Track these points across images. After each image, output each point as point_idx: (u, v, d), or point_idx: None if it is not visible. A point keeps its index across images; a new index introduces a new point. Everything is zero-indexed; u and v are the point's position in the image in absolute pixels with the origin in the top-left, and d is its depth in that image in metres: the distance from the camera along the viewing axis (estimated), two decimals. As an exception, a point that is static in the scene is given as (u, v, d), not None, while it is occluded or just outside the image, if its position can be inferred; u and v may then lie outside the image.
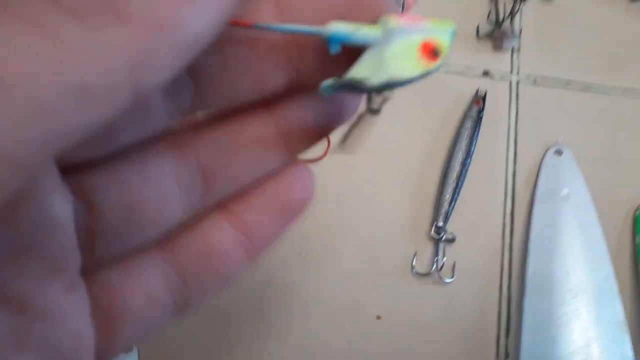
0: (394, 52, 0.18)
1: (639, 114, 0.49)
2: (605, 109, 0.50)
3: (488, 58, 0.51)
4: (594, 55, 0.52)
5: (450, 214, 0.45)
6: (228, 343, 0.42)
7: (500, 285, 0.44)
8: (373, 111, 0.48)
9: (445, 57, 0.19)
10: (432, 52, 0.19)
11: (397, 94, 0.50)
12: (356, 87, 0.18)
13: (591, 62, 0.51)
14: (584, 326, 0.40)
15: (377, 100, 0.41)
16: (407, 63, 0.18)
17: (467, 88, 0.50)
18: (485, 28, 0.52)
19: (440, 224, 0.45)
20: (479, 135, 0.48)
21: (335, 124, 0.20)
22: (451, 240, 0.45)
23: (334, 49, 0.18)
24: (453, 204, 0.45)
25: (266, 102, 0.19)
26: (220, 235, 0.19)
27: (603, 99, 0.50)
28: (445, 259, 0.44)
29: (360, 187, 0.47)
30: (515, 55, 0.51)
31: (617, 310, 0.41)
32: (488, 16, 0.52)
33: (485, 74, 0.51)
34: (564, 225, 0.44)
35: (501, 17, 0.51)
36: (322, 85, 0.18)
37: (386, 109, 0.49)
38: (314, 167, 0.47)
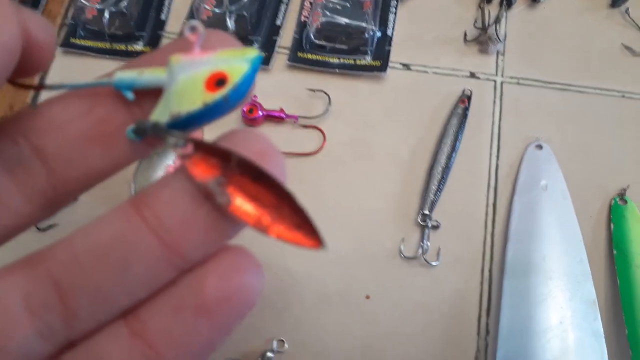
0: (179, 88, 0.18)
1: (613, 111, 0.53)
2: (582, 107, 0.53)
3: (474, 61, 0.55)
4: (574, 58, 0.55)
5: (436, 203, 0.49)
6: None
7: (482, 269, 0.48)
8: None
9: (237, 85, 0.17)
10: (217, 82, 0.18)
11: (388, 94, 0.54)
12: (152, 129, 0.17)
13: (570, 65, 0.55)
14: (558, 305, 0.44)
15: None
16: (190, 97, 0.18)
17: (455, 88, 0.54)
18: (472, 33, 0.56)
19: (426, 211, 0.49)
20: (465, 131, 0.51)
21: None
22: (436, 227, 0.48)
23: (129, 96, 0.18)
24: (439, 193, 0.49)
25: None
26: (115, 346, 0.15)
27: (580, 97, 0.53)
28: (429, 244, 0.48)
29: (353, 178, 0.51)
30: (500, 58, 0.55)
31: (589, 291, 0.44)
32: (475, 22, 0.56)
33: (472, 75, 0.55)
34: (542, 214, 0.48)
35: (487, 23, 0.55)
36: (127, 131, 0.18)
37: (378, 108, 0.53)
38: (310, 160, 0.52)
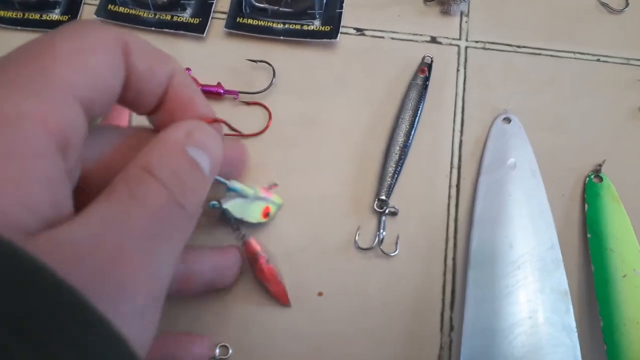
0: (252, 206, 0.41)
1: (588, 77, 0.48)
2: (556, 73, 0.48)
3: (436, 23, 0.49)
4: (546, 18, 0.50)
5: (394, 187, 0.44)
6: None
7: (445, 258, 0.43)
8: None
9: (271, 218, 0.43)
10: (266, 214, 0.42)
11: (340, 63, 0.48)
12: (225, 214, 0.40)
13: (542, 26, 0.49)
14: (526, 298, 0.40)
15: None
16: (253, 214, 0.41)
17: (414, 55, 0.48)
18: (433, -8, 0.50)
19: (383, 197, 0.43)
20: (425, 105, 0.46)
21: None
22: (394, 214, 0.43)
23: (229, 184, 0.39)
24: (396, 176, 0.44)
25: None
26: None
27: (553, 62, 0.48)
28: (384, 233, 0.43)
29: (303, 161, 0.45)
30: (464, 20, 0.49)
31: (560, 281, 0.40)
32: (435, -21, 0.50)
33: (433, 40, 0.49)
34: (510, 196, 0.43)
35: (449, -21, 0.49)
36: (210, 203, 0.39)
37: (329, 80, 0.47)
38: (254, 141, 0.46)
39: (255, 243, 0.42)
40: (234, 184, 0.40)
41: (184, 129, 0.27)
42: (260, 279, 0.41)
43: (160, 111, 0.29)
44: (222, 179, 0.39)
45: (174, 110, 0.29)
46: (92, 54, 0.24)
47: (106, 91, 0.25)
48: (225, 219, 0.42)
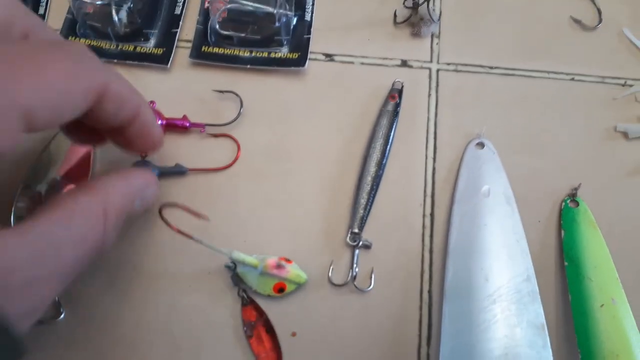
0: (264, 279, 0.40)
1: (562, 97, 0.47)
2: (529, 93, 0.47)
3: (406, 46, 0.48)
4: (517, 36, 0.49)
5: (367, 219, 0.43)
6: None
7: (421, 291, 0.42)
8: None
9: (286, 294, 0.41)
10: (279, 289, 0.41)
11: (310, 90, 0.47)
12: (232, 278, 0.41)
13: (514, 45, 0.48)
14: (503, 333, 0.39)
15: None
16: (263, 287, 0.41)
17: (385, 81, 0.47)
18: (402, 13, 0.48)
19: (356, 230, 0.42)
20: (396, 132, 0.45)
21: None
22: (367, 247, 0.42)
23: (230, 265, 0.41)
24: (369, 208, 0.43)
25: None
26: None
27: (526, 82, 0.47)
28: (357, 269, 0.42)
29: (273, 193, 0.44)
30: (435, 42, 0.48)
31: (537, 314, 0.39)
32: (405, 0, 0.49)
33: (404, 63, 0.48)
34: (484, 225, 0.42)
35: (418, 0, 0.48)
36: (225, 264, 0.41)
37: (299, 108, 0.46)
38: (223, 175, 0.45)
39: (253, 311, 0.41)
40: (236, 254, 0.40)
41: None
42: (253, 345, 0.40)
43: (119, 136, 0.34)
44: (222, 249, 0.39)
45: (132, 140, 0.35)
46: (62, 92, 0.26)
47: (60, 114, 0.27)
48: (233, 281, 0.41)
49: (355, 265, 0.42)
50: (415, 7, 0.47)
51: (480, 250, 0.41)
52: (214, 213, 0.43)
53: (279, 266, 0.40)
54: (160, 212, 0.36)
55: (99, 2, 0.45)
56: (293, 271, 0.41)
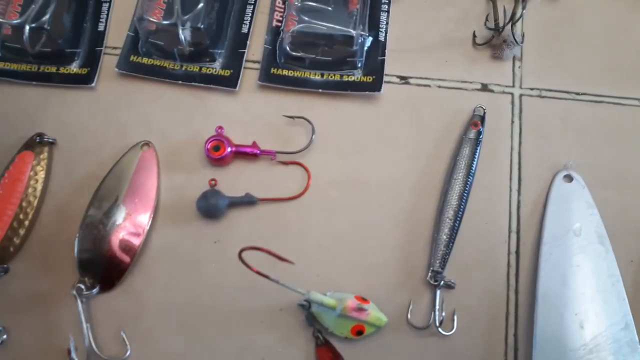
0: (341, 321, 0.38)
1: (659, 131, 0.44)
2: (620, 123, 0.44)
3: (486, 69, 0.45)
4: (607, 61, 0.45)
5: (448, 256, 0.40)
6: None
7: (506, 335, 0.40)
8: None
9: (365, 337, 0.39)
10: (357, 332, 0.38)
11: (384, 116, 0.44)
12: (307, 318, 0.39)
13: (603, 70, 0.45)
14: (601, 386, 0.36)
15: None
16: (341, 330, 0.38)
17: (464, 105, 0.44)
18: (482, 34, 0.46)
19: (438, 268, 0.40)
20: (479, 162, 0.42)
21: None
22: (450, 287, 0.40)
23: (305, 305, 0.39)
24: (451, 244, 0.40)
25: None
26: None
27: (617, 110, 0.44)
28: (443, 312, 0.39)
29: (346, 225, 0.42)
30: (517, 65, 0.45)
31: (638, 365, 0.37)
32: (486, 20, 0.46)
33: (484, 87, 0.45)
34: (577, 267, 0.39)
35: (501, 21, 0.45)
36: (298, 303, 0.39)
37: (372, 135, 0.44)
38: (292, 205, 0.42)
39: (328, 352, 0.39)
40: (314, 295, 0.37)
41: None
42: None
43: None
44: (299, 289, 0.36)
45: None
46: None
47: None
48: (308, 321, 0.39)
49: (437, 307, 0.39)
50: (498, 29, 0.44)
51: (573, 294, 0.39)
52: (284, 245, 0.41)
53: (359, 309, 0.38)
54: (240, 254, 0.33)
55: (165, 22, 0.43)
56: (373, 314, 0.38)
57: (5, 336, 0.39)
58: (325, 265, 0.41)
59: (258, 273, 0.34)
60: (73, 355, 0.37)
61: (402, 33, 0.46)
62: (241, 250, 0.33)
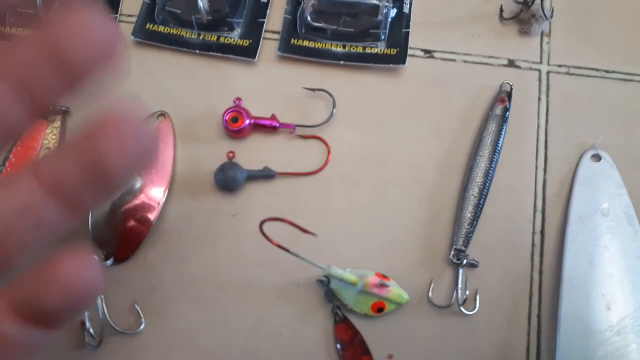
0: (362, 297, 0.37)
1: (692, 112, 0.42)
2: (652, 105, 0.43)
3: (514, 44, 0.44)
4: (638, 39, 0.44)
5: (472, 235, 0.39)
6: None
7: (529, 315, 0.39)
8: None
9: (385, 314, 0.37)
10: (378, 309, 0.37)
11: (408, 90, 0.43)
12: (326, 294, 0.38)
13: (635, 47, 0.44)
14: (628, 368, 0.35)
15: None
16: (361, 307, 0.37)
17: (490, 82, 0.43)
18: (510, 8, 0.44)
19: (461, 246, 0.39)
20: (504, 139, 0.41)
21: None
22: (474, 266, 0.39)
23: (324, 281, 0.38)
24: (475, 222, 0.39)
25: None
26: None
27: (649, 91, 0.43)
28: (466, 291, 0.38)
29: (366, 202, 0.41)
30: (545, 41, 0.44)
31: (666, 349, 0.36)
32: (514, -6, 0.44)
33: (511, 63, 0.43)
34: (604, 247, 0.38)
35: (529, -6, 0.43)
36: (318, 278, 0.38)
37: (395, 110, 0.42)
38: (311, 180, 0.41)
39: (347, 329, 0.38)
40: (334, 270, 0.36)
41: None
42: None
43: None
44: (319, 264, 0.36)
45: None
46: None
47: None
48: (327, 297, 0.38)
49: (460, 286, 0.38)
50: (527, 3, 0.43)
51: (600, 275, 0.38)
52: (303, 220, 0.39)
53: (380, 285, 0.37)
54: (261, 226, 0.32)
55: (185, -12, 0.41)
56: (394, 290, 0.37)
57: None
58: (345, 242, 0.40)
59: (278, 246, 0.33)
60: (88, 325, 0.37)
61: (427, 5, 0.45)
62: (262, 222, 0.32)
